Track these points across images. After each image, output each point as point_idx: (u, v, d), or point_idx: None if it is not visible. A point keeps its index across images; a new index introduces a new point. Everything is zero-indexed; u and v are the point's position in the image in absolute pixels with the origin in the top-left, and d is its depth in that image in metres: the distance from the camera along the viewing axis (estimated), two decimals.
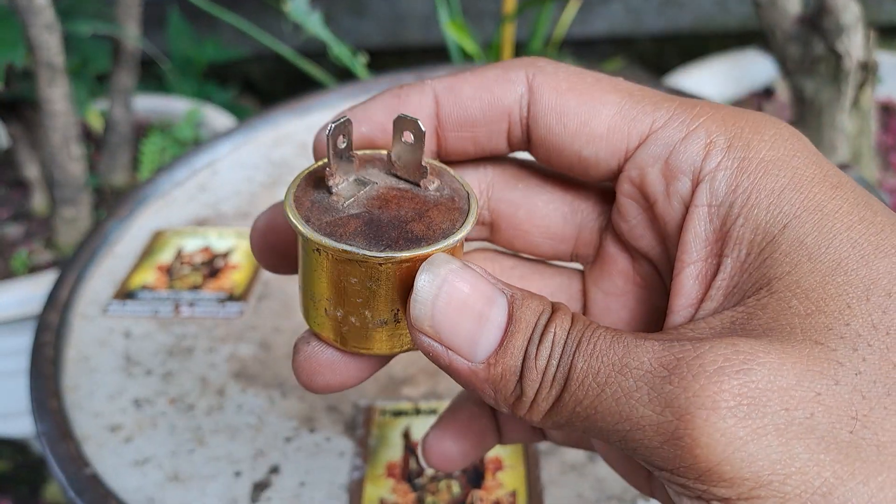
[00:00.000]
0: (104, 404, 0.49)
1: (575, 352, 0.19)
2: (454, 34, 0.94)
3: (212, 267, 0.60)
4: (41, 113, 0.99)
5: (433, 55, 1.92)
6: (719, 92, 1.31)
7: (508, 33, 1.09)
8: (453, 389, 0.47)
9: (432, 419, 0.45)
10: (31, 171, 1.17)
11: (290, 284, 0.57)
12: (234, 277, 0.58)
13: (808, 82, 1.06)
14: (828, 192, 0.19)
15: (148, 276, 0.59)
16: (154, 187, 0.69)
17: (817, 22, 1.02)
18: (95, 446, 0.46)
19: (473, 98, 0.22)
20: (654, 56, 1.98)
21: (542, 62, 0.22)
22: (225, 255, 0.61)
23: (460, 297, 0.21)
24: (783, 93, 1.35)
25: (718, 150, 0.20)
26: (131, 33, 1.12)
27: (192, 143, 1.33)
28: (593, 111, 0.21)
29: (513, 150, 0.23)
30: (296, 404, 0.47)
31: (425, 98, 0.23)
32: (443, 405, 0.46)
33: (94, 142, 1.34)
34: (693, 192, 0.20)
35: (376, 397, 0.47)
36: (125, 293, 0.58)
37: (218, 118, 1.32)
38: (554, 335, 0.20)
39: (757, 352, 0.17)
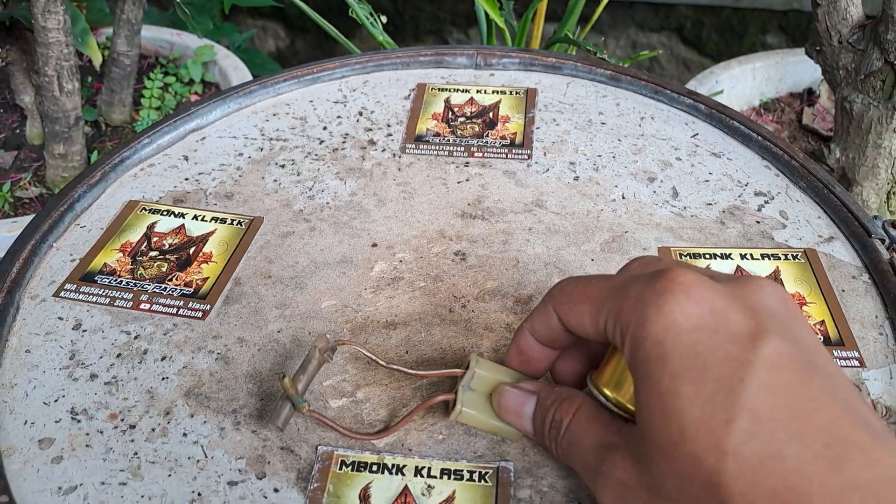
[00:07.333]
0: (39, 410, 0.44)
1: (566, 428, 0.38)
2: (484, 5, 0.88)
3: (182, 253, 0.54)
4: (35, 43, 0.93)
5: None
6: (759, 91, 1.23)
7: (541, 9, 1.02)
8: (424, 444, 0.42)
9: (397, 480, 0.40)
10: (26, 97, 1.11)
11: (263, 287, 0.52)
12: (205, 270, 0.53)
13: (857, 97, 0.98)
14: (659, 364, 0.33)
15: (111, 256, 0.54)
16: (133, 151, 0.63)
17: (879, 32, 0.94)
18: (20, 463, 0.41)
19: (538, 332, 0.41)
20: (692, 26, 1.89)
21: (556, 289, 0.39)
22: (199, 242, 0.55)
23: (507, 406, 0.40)
24: (825, 98, 1.27)
25: (624, 326, 0.34)
26: None
27: (198, 84, 1.26)
28: (581, 315, 0.37)
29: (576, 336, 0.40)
30: (248, 439, 0.42)
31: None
32: (410, 462, 0.41)
33: (96, 74, 1.27)
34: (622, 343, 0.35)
35: (338, 441, 0.42)
36: (83, 274, 0.52)
37: (227, 60, 1.25)
38: (557, 418, 0.38)
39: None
